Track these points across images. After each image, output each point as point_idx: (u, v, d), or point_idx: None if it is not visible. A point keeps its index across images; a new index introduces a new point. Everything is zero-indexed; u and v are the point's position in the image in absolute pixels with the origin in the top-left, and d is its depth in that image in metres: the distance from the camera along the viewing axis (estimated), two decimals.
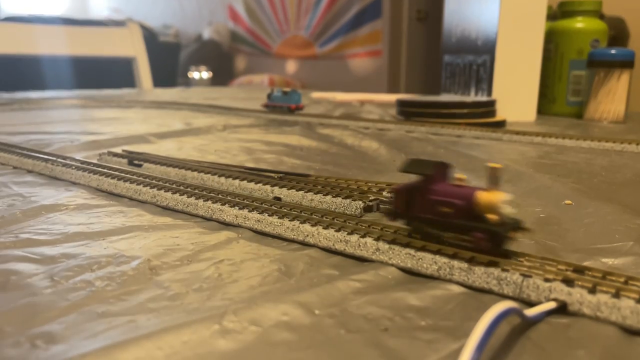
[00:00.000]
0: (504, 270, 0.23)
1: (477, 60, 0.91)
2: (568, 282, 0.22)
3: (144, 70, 1.65)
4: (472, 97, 0.91)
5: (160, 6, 3.80)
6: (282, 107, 0.91)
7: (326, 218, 0.31)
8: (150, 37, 2.27)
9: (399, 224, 0.28)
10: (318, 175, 0.44)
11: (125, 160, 0.51)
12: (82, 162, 0.47)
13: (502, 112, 0.85)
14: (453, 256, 0.25)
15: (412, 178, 0.27)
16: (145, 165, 0.49)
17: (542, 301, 0.22)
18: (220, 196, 0.36)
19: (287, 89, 0.94)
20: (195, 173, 0.45)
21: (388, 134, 0.73)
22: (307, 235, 0.30)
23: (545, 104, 0.96)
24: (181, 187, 0.38)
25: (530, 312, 0.20)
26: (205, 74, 3.02)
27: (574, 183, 0.44)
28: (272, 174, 0.42)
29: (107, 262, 0.27)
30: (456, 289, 0.24)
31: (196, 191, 0.37)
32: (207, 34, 3.43)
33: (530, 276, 0.23)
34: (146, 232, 0.32)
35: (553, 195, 0.40)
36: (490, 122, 0.79)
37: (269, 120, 0.87)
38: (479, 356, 0.16)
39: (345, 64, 2.93)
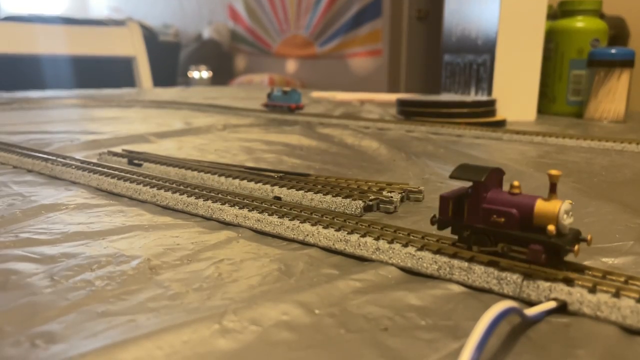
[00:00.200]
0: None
1: (477, 59, 0.91)
2: (568, 281, 0.22)
3: (143, 70, 1.65)
4: (472, 97, 0.91)
5: (160, 5, 3.80)
6: (282, 106, 0.91)
7: (326, 217, 0.31)
8: (150, 36, 2.27)
9: (444, 232, 0.26)
10: (318, 174, 0.44)
11: (125, 160, 0.51)
12: (82, 162, 0.47)
13: (502, 112, 0.85)
14: (453, 256, 0.25)
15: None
16: (145, 164, 0.49)
17: (542, 301, 0.22)
18: (220, 196, 0.36)
19: (287, 89, 0.94)
20: (195, 172, 0.45)
21: (388, 134, 0.73)
22: (307, 235, 0.30)
23: (546, 104, 0.96)
24: (181, 187, 0.38)
25: (530, 311, 0.20)
26: (205, 74, 3.02)
27: (574, 182, 0.44)
28: (272, 174, 0.42)
29: (107, 261, 0.27)
30: (456, 288, 0.24)
31: (196, 191, 0.37)
32: (207, 33, 3.43)
33: (530, 275, 0.23)
34: (146, 232, 0.32)
35: None
36: (491, 121, 0.79)
37: (269, 120, 0.87)
38: (479, 356, 0.16)
39: (345, 64, 2.93)
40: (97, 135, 0.69)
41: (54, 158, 0.48)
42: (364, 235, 0.28)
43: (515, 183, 0.24)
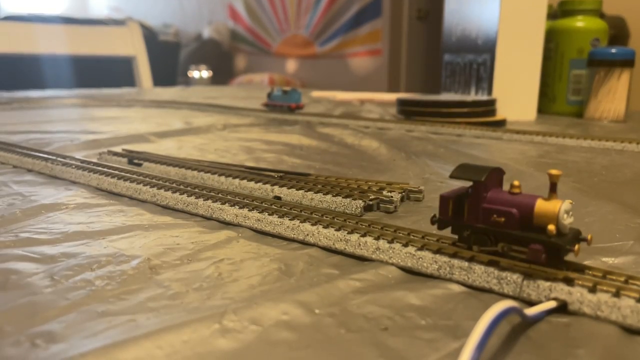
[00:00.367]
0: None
1: (478, 59, 0.90)
2: (568, 281, 0.22)
3: (143, 70, 1.65)
4: (472, 96, 0.91)
5: (160, 5, 3.80)
6: (282, 106, 0.91)
7: (326, 217, 0.31)
8: (150, 36, 2.27)
9: (444, 232, 0.26)
10: (318, 174, 0.44)
11: (125, 160, 0.51)
12: (82, 161, 0.47)
13: (503, 111, 0.85)
14: (453, 255, 0.25)
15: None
16: (145, 164, 0.49)
17: (542, 300, 0.22)
18: (220, 195, 0.36)
19: (287, 88, 0.94)
20: (195, 172, 0.45)
21: (388, 133, 0.73)
22: (307, 235, 0.30)
23: (546, 103, 0.96)
24: (181, 186, 0.38)
25: (531, 311, 0.20)
26: (205, 73, 3.02)
27: (575, 182, 0.44)
28: (272, 173, 0.42)
29: (107, 261, 0.27)
30: (456, 288, 0.24)
31: (196, 190, 0.37)
32: (207, 33, 3.43)
33: (530, 275, 0.23)
34: (146, 231, 0.32)
35: None
36: (491, 121, 0.79)
37: (269, 120, 0.87)
38: (479, 355, 0.16)
39: (345, 63, 2.93)
40: (97, 134, 0.69)
41: (54, 158, 0.48)
42: (364, 235, 0.28)
43: (516, 183, 0.24)
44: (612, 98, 0.85)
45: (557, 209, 0.22)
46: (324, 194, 0.37)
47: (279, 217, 0.32)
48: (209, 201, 0.35)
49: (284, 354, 0.19)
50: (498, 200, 0.24)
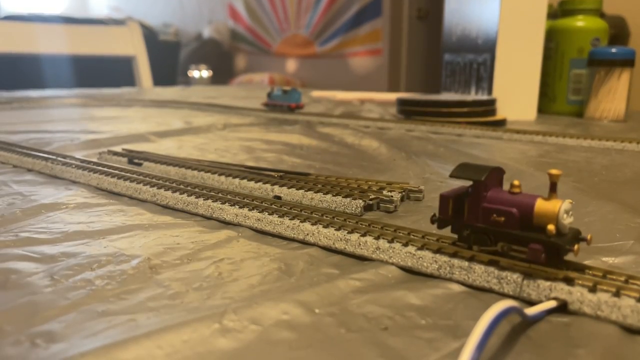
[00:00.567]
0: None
1: (478, 59, 0.90)
2: (568, 281, 0.22)
3: (143, 69, 1.65)
4: (472, 96, 0.91)
5: (160, 5, 3.80)
6: (282, 105, 0.91)
7: (326, 217, 0.31)
8: (150, 35, 2.27)
9: (444, 231, 0.26)
10: (318, 174, 0.44)
11: (125, 159, 0.51)
12: (82, 161, 0.47)
13: (503, 111, 0.85)
14: (453, 255, 0.25)
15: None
16: (145, 164, 0.49)
17: (542, 300, 0.22)
18: (220, 195, 0.36)
19: (287, 88, 0.94)
20: (195, 172, 0.45)
21: (388, 133, 0.73)
22: (307, 234, 0.30)
23: (546, 103, 0.96)
24: (181, 186, 0.38)
25: (531, 311, 0.20)
26: (205, 73, 3.02)
27: (575, 182, 0.44)
28: (272, 173, 0.42)
29: (107, 261, 0.27)
30: (456, 287, 0.24)
31: (196, 190, 0.37)
32: (207, 32, 3.42)
33: (530, 275, 0.23)
34: (146, 231, 0.32)
35: None
36: (491, 121, 0.79)
37: (269, 119, 0.87)
38: (479, 355, 0.16)
39: (345, 63, 2.93)
40: (97, 134, 0.69)
41: (54, 157, 0.48)
42: (364, 235, 0.28)
43: (516, 182, 0.24)
44: (612, 98, 0.85)
45: (557, 208, 0.22)
46: (324, 194, 0.37)
47: (279, 216, 0.32)
48: (209, 201, 0.35)
49: (284, 353, 0.19)
50: (498, 199, 0.24)
